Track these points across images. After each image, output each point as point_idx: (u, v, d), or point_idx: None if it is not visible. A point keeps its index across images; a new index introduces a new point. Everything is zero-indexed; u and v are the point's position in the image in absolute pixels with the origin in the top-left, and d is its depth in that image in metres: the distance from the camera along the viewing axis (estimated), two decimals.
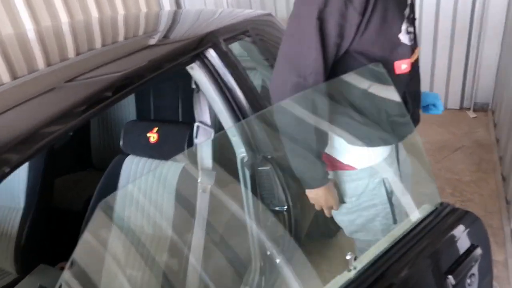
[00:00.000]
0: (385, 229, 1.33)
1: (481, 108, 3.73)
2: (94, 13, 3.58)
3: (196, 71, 1.39)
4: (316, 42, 0.99)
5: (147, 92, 2.33)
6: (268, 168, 1.56)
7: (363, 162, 1.26)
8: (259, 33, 1.74)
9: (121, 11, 3.87)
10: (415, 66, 1.21)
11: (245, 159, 1.50)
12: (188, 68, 1.40)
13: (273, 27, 1.90)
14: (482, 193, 2.62)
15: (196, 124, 1.54)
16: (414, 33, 1.17)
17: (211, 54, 1.40)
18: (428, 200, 1.11)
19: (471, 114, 3.68)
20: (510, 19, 3.07)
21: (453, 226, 1.03)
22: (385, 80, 1.11)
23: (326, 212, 1.34)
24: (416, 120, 1.31)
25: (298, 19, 1.04)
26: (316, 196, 1.28)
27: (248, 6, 4.27)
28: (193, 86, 1.45)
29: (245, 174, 1.53)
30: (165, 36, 1.60)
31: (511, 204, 2.34)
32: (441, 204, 1.08)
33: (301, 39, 1.02)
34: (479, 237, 1.04)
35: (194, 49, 1.37)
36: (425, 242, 0.99)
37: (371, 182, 1.28)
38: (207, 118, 1.54)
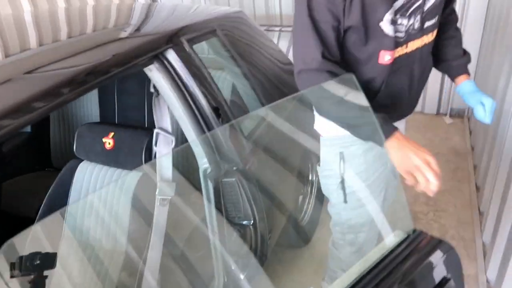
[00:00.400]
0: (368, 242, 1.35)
1: (457, 114, 3.71)
2: (61, 3, 3.37)
3: (155, 74, 1.26)
4: (313, 36, 1.06)
5: (111, 90, 2.18)
6: (233, 180, 1.45)
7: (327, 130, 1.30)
8: (228, 32, 1.62)
9: (91, 1, 3.66)
10: (412, 55, 1.18)
11: (208, 171, 1.39)
12: (146, 70, 1.27)
13: (244, 25, 1.79)
14: (456, 203, 2.59)
15: (155, 130, 1.41)
16: (419, 26, 1.13)
17: (172, 55, 1.28)
18: (401, 226, 1.02)
19: (448, 120, 3.66)
20: (488, 27, 3.05)
21: (426, 256, 0.94)
22: (357, 91, 1.01)
23: (430, 160, 1.03)
24: (411, 107, 1.33)
25: (295, 18, 1.12)
26: (403, 143, 1.05)
27: (226, 2, 4.14)
28: (152, 89, 1.32)
29: (208, 186, 1.41)
30: (126, 33, 1.46)
31: (484, 216, 2.31)
32: (414, 231, 1.00)
33: (301, 36, 1.11)
34: (452, 268, 0.96)
35: (153, 49, 1.24)
36: (395, 275, 0.90)
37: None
38: (167, 125, 1.41)
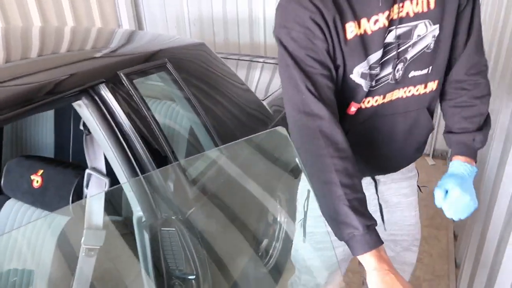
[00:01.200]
0: None
1: (440, 155, 3.61)
2: (36, 21, 3.28)
3: (84, 110, 1.13)
4: (299, 81, 0.91)
5: (67, 115, 2.04)
6: (173, 230, 1.30)
7: None
8: (182, 66, 1.51)
9: (70, 22, 3.58)
10: (391, 106, 1.03)
11: (143, 219, 1.24)
12: (75, 105, 1.14)
13: (205, 58, 1.67)
14: (432, 252, 2.43)
15: (87, 171, 1.26)
16: (399, 75, 0.99)
17: (105, 91, 1.15)
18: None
19: (430, 161, 3.55)
20: None
21: None
22: (287, 144, 0.89)
23: None
24: (396, 163, 1.15)
25: (279, 67, 0.96)
26: (373, 272, 0.83)
27: (211, 31, 4.09)
28: (81, 127, 1.19)
29: (143, 236, 1.26)
30: (62, 61, 1.33)
31: (460, 269, 2.16)
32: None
33: (288, 83, 0.94)
34: None
35: (81, 83, 1.11)
36: None
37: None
38: (101, 165, 1.27)
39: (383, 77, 0.98)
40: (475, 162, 1.03)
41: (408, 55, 0.97)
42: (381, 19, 0.91)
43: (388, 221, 1.25)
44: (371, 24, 0.92)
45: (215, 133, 1.49)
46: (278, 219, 2.26)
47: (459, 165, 1.00)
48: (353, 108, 1.01)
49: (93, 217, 1.25)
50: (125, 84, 1.21)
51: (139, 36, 1.73)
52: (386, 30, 0.92)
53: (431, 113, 1.10)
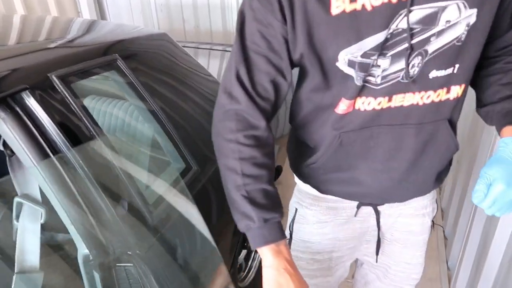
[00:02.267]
0: None
1: None
2: None
3: (1, 126, 0.86)
4: (236, 58, 0.80)
5: None
6: (130, 265, 1.06)
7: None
8: (138, 62, 1.25)
9: (20, 10, 3.20)
10: (400, 114, 0.79)
11: (90, 258, 0.99)
12: None
13: (166, 52, 1.41)
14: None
15: (16, 199, 1.00)
16: (416, 73, 0.76)
17: (28, 99, 0.88)
18: None
19: None
20: None
21: None
22: None
23: None
24: (396, 191, 0.91)
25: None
26: (267, 269, 0.77)
27: (180, 17, 3.78)
28: (1, 147, 0.92)
29: (92, 277, 1.02)
30: None
31: (453, 271, 2.02)
32: None
33: (230, 55, 0.83)
34: None
35: None
36: None
37: None
38: (34, 191, 1.01)
39: (392, 73, 0.75)
40: None
41: (430, 48, 0.73)
42: None
43: (384, 254, 1.05)
44: None
45: (179, 139, 1.25)
46: None
47: (510, 144, 0.75)
48: (342, 106, 0.79)
49: (27, 257, 1.00)
50: (59, 90, 0.95)
51: (90, 27, 1.45)
52: (396, 7, 0.69)
53: (454, 128, 0.86)
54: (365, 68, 0.74)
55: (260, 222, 0.75)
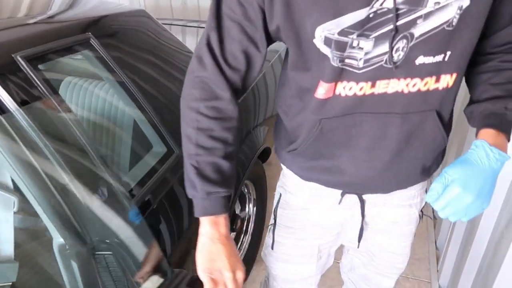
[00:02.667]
0: None
1: None
2: None
3: None
4: (210, 21, 0.76)
5: None
6: (109, 254, 1.03)
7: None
8: (114, 41, 1.18)
9: None
10: (384, 101, 0.75)
11: (66, 247, 0.96)
12: None
13: (145, 28, 1.34)
14: None
15: None
16: (401, 58, 0.70)
17: None
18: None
19: None
20: None
21: None
22: None
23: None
24: (379, 182, 0.87)
25: None
26: (202, 237, 0.79)
27: None
28: None
29: (70, 267, 0.98)
30: None
31: (442, 251, 2.03)
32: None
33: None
34: None
35: None
36: None
37: None
38: (5, 179, 0.96)
39: (375, 57, 0.70)
40: (508, 141, 0.74)
41: (417, 31, 0.67)
42: None
43: (369, 242, 1.02)
44: None
45: (160, 122, 1.19)
46: (247, 211, 2.03)
47: (481, 147, 0.71)
48: (321, 90, 0.75)
49: (1, 247, 0.96)
50: (25, 71, 0.88)
51: (64, 4, 1.37)
52: None
53: (444, 121, 0.80)
54: (342, 47, 0.68)
55: (203, 194, 0.76)
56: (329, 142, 0.82)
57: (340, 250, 1.15)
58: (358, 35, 0.67)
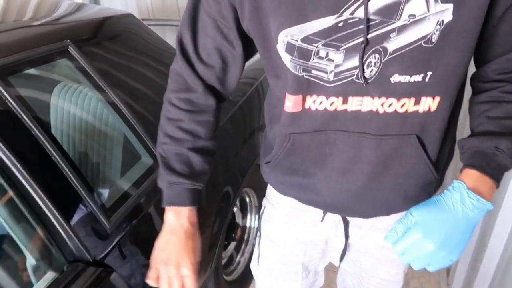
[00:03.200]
0: None
1: None
2: None
3: None
4: (188, 25, 0.74)
5: None
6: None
7: None
8: (97, 47, 1.13)
9: None
10: (357, 120, 0.68)
11: (42, 267, 0.91)
12: None
13: (132, 33, 1.29)
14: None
15: None
16: (374, 75, 0.63)
17: None
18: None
19: None
20: None
21: None
22: None
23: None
24: (355, 205, 0.80)
25: None
26: (163, 226, 0.79)
27: None
28: None
29: None
30: None
31: (452, 265, 1.92)
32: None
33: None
34: None
35: None
36: None
37: None
38: None
39: (346, 70, 0.63)
40: (496, 187, 0.65)
41: (390, 45, 0.60)
42: None
43: (356, 265, 0.94)
44: None
45: (145, 132, 1.14)
46: (248, 219, 1.97)
47: (457, 190, 0.63)
48: (288, 103, 0.70)
49: None
50: None
51: (46, 9, 1.32)
52: None
53: (428, 147, 0.71)
54: (306, 56, 0.62)
55: (166, 183, 0.76)
56: (304, 159, 0.76)
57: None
58: (325, 45, 0.61)
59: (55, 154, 0.89)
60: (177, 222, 0.76)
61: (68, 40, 1.04)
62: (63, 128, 1.04)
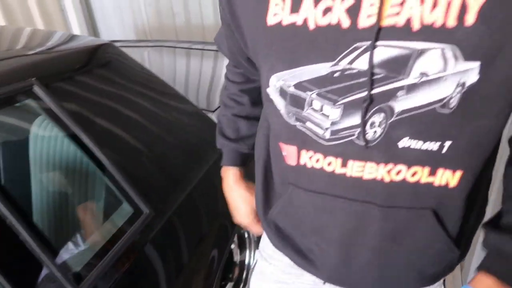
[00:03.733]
0: None
1: None
2: None
3: None
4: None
5: None
6: None
7: None
8: (68, 84, 1.00)
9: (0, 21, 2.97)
10: (359, 188, 0.57)
11: None
12: None
13: (111, 66, 1.16)
14: None
15: None
16: (379, 137, 0.52)
17: None
18: None
19: None
20: None
21: None
22: None
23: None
24: (351, 276, 0.69)
25: None
26: (224, 185, 0.90)
27: (171, 15, 3.50)
28: None
29: None
30: None
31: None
32: None
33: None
34: None
35: None
36: None
37: None
38: None
39: (345, 129, 0.52)
40: None
41: (397, 105, 0.48)
42: (338, 9, 0.45)
43: None
44: (318, 13, 0.46)
45: (123, 178, 1.00)
46: (247, 256, 1.82)
47: None
48: (284, 153, 0.63)
49: None
50: None
51: (10, 40, 1.19)
52: (347, 35, 0.46)
53: (447, 224, 0.58)
54: (299, 104, 0.55)
55: (220, 146, 0.87)
56: (302, 221, 0.66)
57: None
58: (319, 95, 0.51)
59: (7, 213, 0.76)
60: (225, 181, 0.87)
61: (33, 79, 0.91)
62: (25, 174, 0.90)
